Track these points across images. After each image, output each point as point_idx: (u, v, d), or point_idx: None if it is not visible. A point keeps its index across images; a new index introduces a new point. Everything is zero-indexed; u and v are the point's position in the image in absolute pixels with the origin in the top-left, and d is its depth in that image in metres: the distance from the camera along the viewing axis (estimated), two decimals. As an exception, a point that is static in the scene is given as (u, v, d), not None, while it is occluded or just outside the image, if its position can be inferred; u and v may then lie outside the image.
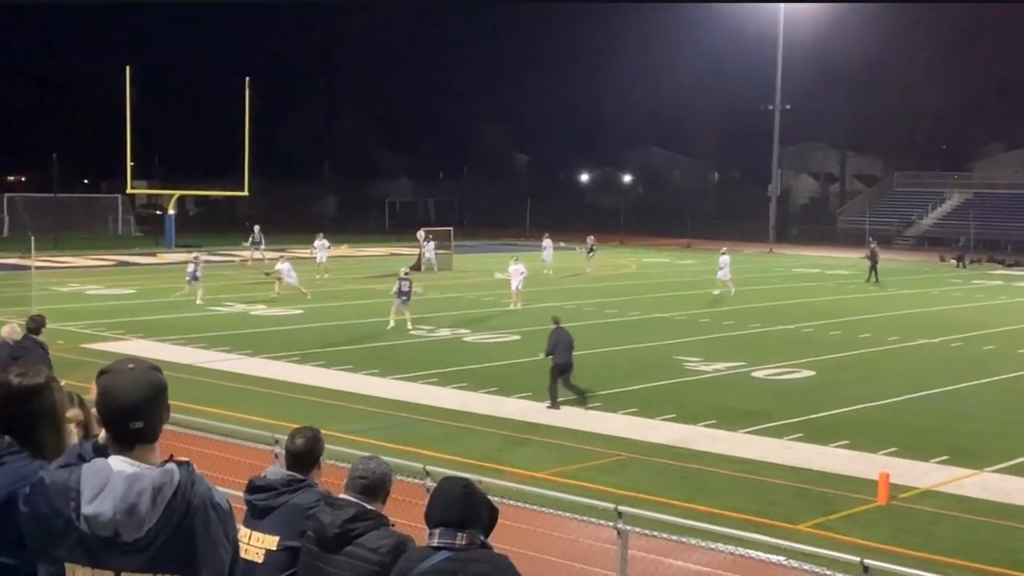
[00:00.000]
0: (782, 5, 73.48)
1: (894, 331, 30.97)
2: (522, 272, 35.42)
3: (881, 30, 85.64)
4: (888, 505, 14.41)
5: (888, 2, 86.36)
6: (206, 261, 40.06)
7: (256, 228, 52.44)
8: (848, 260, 60.30)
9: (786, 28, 74.31)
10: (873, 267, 47.20)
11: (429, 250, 49.45)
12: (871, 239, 50.35)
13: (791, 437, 18.06)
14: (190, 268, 36.05)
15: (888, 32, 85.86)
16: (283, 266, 36.78)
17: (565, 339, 20.12)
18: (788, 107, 76.37)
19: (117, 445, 3.33)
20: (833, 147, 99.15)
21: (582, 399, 20.37)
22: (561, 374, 20.06)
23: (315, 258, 46.67)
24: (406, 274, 30.72)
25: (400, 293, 29.91)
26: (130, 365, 3.43)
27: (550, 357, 20.04)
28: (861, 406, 20.79)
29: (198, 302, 34.70)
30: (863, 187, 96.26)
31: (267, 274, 38.38)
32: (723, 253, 40.88)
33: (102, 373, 3.41)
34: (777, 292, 42.43)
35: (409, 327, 29.39)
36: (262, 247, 51.42)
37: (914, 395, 21.97)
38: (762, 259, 63.13)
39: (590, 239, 50.67)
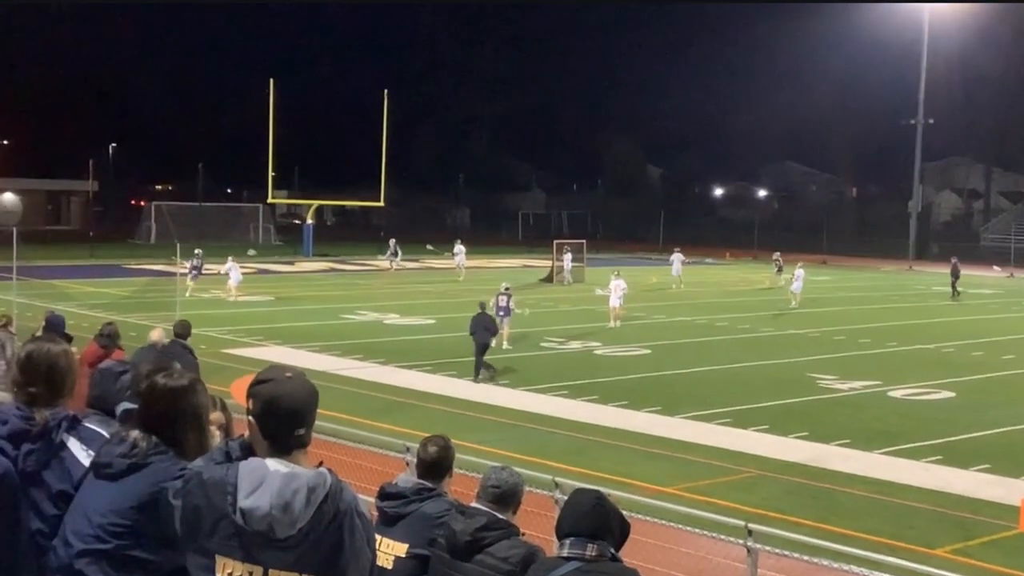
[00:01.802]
0: (927, 15, 71.71)
1: (1040, 353, 29.95)
2: (623, 288, 33.67)
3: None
4: (1031, 532, 13.94)
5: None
6: (342, 270, 40.94)
7: (392, 241, 53.76)
8: (991, 279, 58.52)
9: (930, 40, 72.53)
10: (954, 282, 46.64)
11: (567, 262, 49.71)
12: (954, 257, 49.52)
13: (929, 459, 17.60)
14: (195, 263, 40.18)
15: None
16: (229, 265, 39.62)
17: (486, 322, 24.12)
18: (931, 121, 74.48)
19: (275, 450, 3.44)
20: (978, 163, 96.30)
21: (490, 375, 23.71)
22: (482, 351, 23.81)
23: (456, 264, 50.42)
24: (507, 289, 29.18)
25: (499, 309, 28.18)
26: (287, 374, 3.54)
27: (473, 336, 23.94)
28: (1004, 429, 20.15)
29: (188, 295, 37.19)
30: (1009, 204, 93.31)
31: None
32: (800, 267, 41.56)
33: (259, 383, 3.51)
34: (916, 311, 41.39)
35: (504, 344, 28.02)
36: (398, 259, 53.14)
37: (1060, 420, 21.20)
38: (901, 276, 61.68)
39: (776, 255, 50.82)
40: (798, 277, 40.90)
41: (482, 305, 25.02)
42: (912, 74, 74.47)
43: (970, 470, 16.98)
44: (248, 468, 3.37)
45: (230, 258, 40.80)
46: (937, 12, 72.42)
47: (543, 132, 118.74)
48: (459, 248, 51.00)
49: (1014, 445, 18.97)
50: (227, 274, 39.35)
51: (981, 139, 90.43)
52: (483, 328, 24.04)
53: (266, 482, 3.31)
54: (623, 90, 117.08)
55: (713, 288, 48.21)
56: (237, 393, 3.70)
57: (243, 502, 3.29)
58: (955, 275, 46.90)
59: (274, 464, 3.38)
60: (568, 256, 50.10)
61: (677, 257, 50.03)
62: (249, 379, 3.59)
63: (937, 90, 76.90)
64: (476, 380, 23.57)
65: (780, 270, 49.21)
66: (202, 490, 3.39)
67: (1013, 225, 77.55)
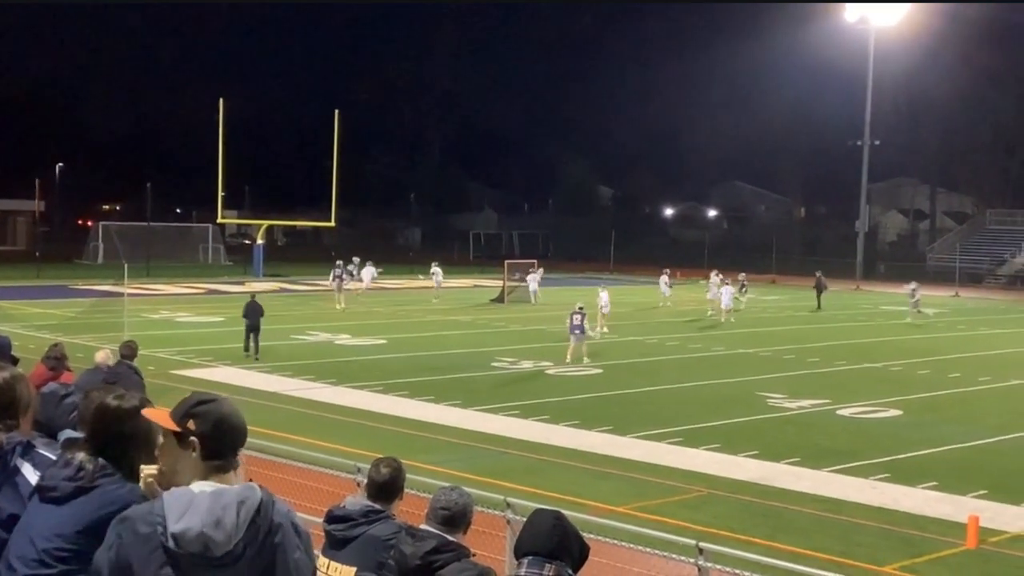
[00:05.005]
0: (873, 38, 72.67)
1: (985, 371, 30.33)
2: (605, 299, 36.82)
3: (973, 63, 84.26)
4: (978, 549, 14.09)
5: None
6: (293, 290, 40.54)
7: (356, 259, 52.20)
8: (938, 298, 59.21)
9: (876, 63, 73.49)
10: (818, 295, 50.02)
11: (532, 282, 49.39)
12: (818, 271, 52.61)
13: (877, 477, 17.76)
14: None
15: (980, 65, 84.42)
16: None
17: (256, 307, 29.06)
18: (877, 143, 75.43)
19: (217, 470, 3.39)
20: (923, 183, 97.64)
21: (255, 358, 28.43)
22: (251, 331, 28.83)
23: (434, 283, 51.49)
24: (580, 308, 30.21)
25: (573, 327, 29.73)
26: (220, 395, 3.54)
27: (245, 319, 29.17)
28: (950, 447, 20.38)
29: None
30: (954, 224, 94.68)
31: None
32: (725, 283, 43.92)
33: (200, 403, 3.47)
34: (864, 329, 41.81)
35: (585, 360, 29.59)
36: (355, 277, 51.72)
37: (1006, 437, 21.48)
38: (849, 296, 62.27)
39: (742, 276, 51.66)
40: (726, 292, 42.87)
41: (252, 295, 30.26)
42: (858, 96, 75.42)
43: (918, 487, 17.15)
44: (173, 496, 3.29)
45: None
46: (883, 35, 73.48)
47: (494, 152, 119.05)
48: (435, 269, 51.52)
49: (961, 462, 19.19)
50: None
51: (926, 160, 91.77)
52: (253, 312, 28.97)
53: (194, 504, 3.25)
54: (574, 111, 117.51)
55: (664, 308, 48.39)
56: (158, 418, 3.60)
57: (174, 527, 3.21)
58: (819, 289, 50.23)
59: (199, 486, 3.33)
60: (533, 276, 49.88)
61: (665, 278, 50.22)
62: (163, 410, 3.55)
63: (883, 112, 77.95)
64: (255, 359, 28.40)
65: (743, 289, 49.80)
66: (131, 529, 3.28)
67: (958, 245, 78.62)
